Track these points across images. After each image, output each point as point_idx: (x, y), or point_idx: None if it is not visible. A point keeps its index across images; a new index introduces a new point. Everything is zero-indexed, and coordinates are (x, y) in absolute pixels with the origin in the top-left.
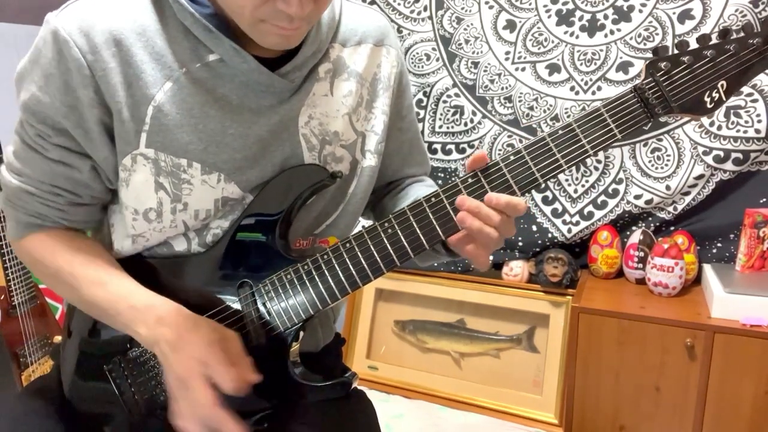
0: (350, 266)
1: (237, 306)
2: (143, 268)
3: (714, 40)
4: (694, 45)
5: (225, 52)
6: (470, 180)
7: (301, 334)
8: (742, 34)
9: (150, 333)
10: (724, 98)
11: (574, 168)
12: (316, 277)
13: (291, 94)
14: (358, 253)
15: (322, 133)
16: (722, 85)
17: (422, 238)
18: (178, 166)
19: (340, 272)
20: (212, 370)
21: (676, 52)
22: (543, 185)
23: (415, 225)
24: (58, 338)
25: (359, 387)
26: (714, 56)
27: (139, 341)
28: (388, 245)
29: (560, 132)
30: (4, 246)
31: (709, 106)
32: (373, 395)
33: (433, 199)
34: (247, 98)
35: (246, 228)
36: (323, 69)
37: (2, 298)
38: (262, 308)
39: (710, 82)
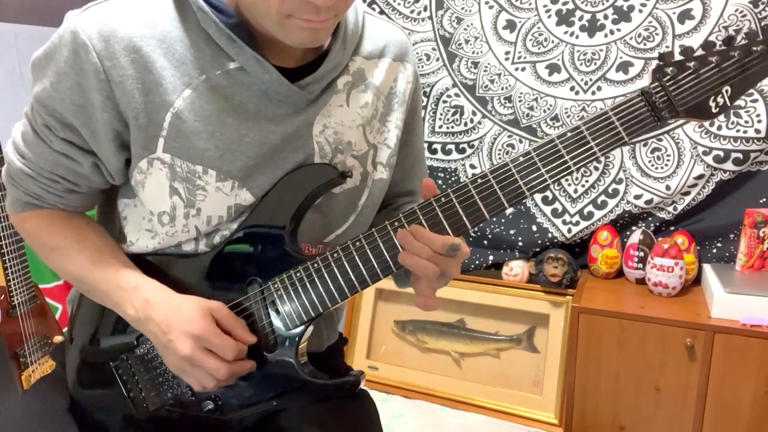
0: (359, 264)
1: (246, 303)
2: (151, 265)
3: (719, 47)
4: (699, 52)
5: (247, 62)
6: (480, 180)
7: (308, 332)
8: (745, 41)
9: (137, 315)
10: (728, 103)
11: None
12: (325, 275)
13: (307, 104)
14: (368, 251)
15: (336, 142)
16: (726, 91)
17: None
18: (194, 172)
19: (349, 270)
20: (209, 343)
21: (681, 58)
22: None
23: (426, 225)
24: (58, 338)
25: (360, 387)
26: (719, 62)
27: (128, 321)
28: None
29: (569, 134)
30: (4, 246)
31: (714, 110)
32: (373, 395)
33: (443, 199)
34: (264, 107)
35: (254, 226)
36: (342, 81)
37: (2, 298)
38: (270, 306)
39: (715, 88)
